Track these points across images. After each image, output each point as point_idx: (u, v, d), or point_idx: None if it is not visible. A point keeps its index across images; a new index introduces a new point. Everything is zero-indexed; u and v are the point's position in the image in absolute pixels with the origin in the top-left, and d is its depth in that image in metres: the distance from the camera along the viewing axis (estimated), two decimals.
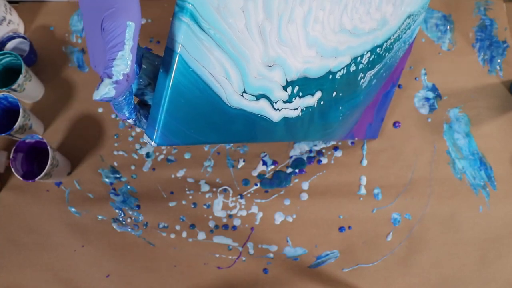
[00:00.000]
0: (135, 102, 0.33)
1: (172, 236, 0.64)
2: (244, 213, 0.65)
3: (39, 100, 0.71)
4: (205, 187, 0.66)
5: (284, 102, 0.45)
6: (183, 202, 0.65)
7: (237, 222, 0.64)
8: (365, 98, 0.60)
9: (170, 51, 0.31)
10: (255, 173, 0.67)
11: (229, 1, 0.34)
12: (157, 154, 0.68)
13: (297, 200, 0.65)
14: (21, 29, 0.74)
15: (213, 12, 0.33)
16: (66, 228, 0.64)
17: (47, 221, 0.64)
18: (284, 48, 0.43)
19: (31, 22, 0.76)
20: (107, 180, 0.67)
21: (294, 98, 0.47)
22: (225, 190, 0.66)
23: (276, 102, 0.44)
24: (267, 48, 0.40)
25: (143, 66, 0.33)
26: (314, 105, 0.50)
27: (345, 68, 0.52)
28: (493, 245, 0.63)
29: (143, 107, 0.35)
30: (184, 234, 0.64)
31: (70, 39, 0.75)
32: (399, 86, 0.72)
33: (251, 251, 0.63)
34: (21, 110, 0.61)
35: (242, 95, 0.40)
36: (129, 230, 0.64)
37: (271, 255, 0.63)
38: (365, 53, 0.55)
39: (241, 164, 0.67)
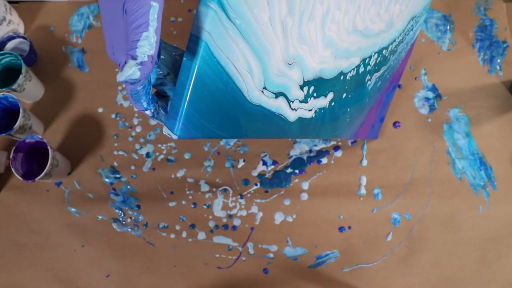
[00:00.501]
0: (153, 93, 0.32)
1: (172, 236, 0.64)
2: (244, 213, 0.65)
3: (39, 100, 0.71)
4: (205, 187, 0.66)
5: (300, 101, 0.45)
6: (183, 202, 0.65)
7: (237, 222, 0.64)
8: (370, 100, 0.60)
9: (195, 38, 0.30)
10: (255, 173, 0.67)
11: None
12: (157, 154, 0.68)
13: (297, 200, 0.65)
14: (21, 29, 0.74)
15: (241, 1, 0.32)
16: (66, 228, 0.64)
17: (47, 221, 0.64)
18: (304, 47, 0.42)
19: (31, 22, 0.76)
20: (107, 180, 0.67)
21: (309, 99, 0.47)
22: (225, 190, 0.66)
23: (293, 102, 0.44)
24: (288, 45, 0.40)
25: (161, 56, 0.32)
26: (326, 106, 0.50)
27: (355, 69, 0.52)
28: (493, 245, 0.63)
29: (160, 99, 0.34)
30: (184, 234, 0.64)
31: (70, 39, 0.75)
32: (399, 86, 0.72)
33: (251, 251, 0.63)
34: (21, 110, 0.61)
35: (263, 91, 0.40)
36: (129, 230, 0.64)
37: (271, 255, 0.63)
38: (373, 54, 0.54)
39: (241, 164, 0.67)
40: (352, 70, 0.51)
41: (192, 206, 0.65)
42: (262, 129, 0.42)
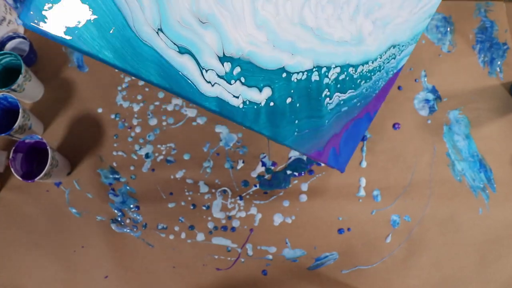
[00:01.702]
0: None
1: (171, 237, 0.64)
2: (243, 214, 0.65)
3: (39, 100, 0.71)
4: (204, 188, 0.66)
5: (220, 77, 0.43)
6: (182, 203, 0.65)
7: (236, 223, 0.64)
8: (331, 124, 0.55)
9: None
10: (254, 174, 0.67)
11: None
12: (156, 154, 0.68)
13: (296, 202, 0.65)
14: (21, 29, 0.74)
15: None
16: (65, 229, 0.64)
17: (47, 221, 0.64)
18: (222, 10, 0.41)
19: None
20: (106, 180, 0.67)
21: (233, 81, 0.44)
22: (224, 191, 0.66)
23: (206, 70, 0.42)
24: None
25: None
26: (261, 103, 0.47)
27: (305, 73, 0.49)
28: (493, 246, 0.63)
29: None
30: (183, 235, 0.64)
31: None
32: (399, 87, 0.72)
33: (250, 253, 0.63)
34: (20, 110, 0.61)
35: (158, 33, 0.38)
36: (128, 231, 0.64)
37: (270, 256, 0.63)
38: (333, 66, 0.52)
39: (240, 165, 0.67)
40: (301, 73, 0.49)
41: (191, 207, 0.65)
42: (160, 78, 0.40)
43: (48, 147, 0.59)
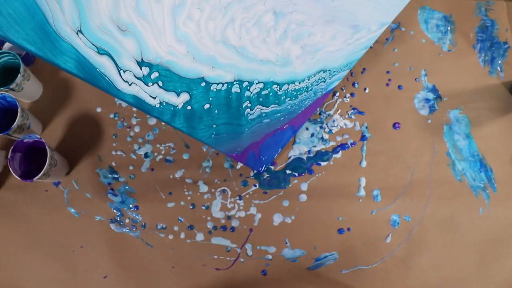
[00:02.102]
0: None
1: (170, 237, 0.64)
2: (242, 214, 0.64)
3: (38, 100, 0.71)
4: (203, 188, 0.66)
5: (137, 78, 0.46)
6: (182, 203, 0.65)
7: (235, 223, 0.64)
8: (252, 133, 0.58)
9: None
10: (253, 174, 0.67)
11: None
12: (155, 154, 0.68)
13: (296, 201, 0.65)
14: None
15: None
16: (64, 229, 0.64)
17: (46, 221, 0.64)
18: (143, 22, 0.44)
19: None
20: (105, 180, 0.66)
21: (151, 83, 0.47)
22: (223, 191, 0.66)
23: (124, 71, 0.45)
24: (119, 7, 0.43)
25: None
26: (178, 106, 0.50)
27: (226, 85, 0.52)
28: (493, 246, 0.63)
29: None
30: (182, 235, 0.64)
31: None
32: (399, 87, 0.71)
33: (250, 253, 0.63)
34: (19, 110, 0.61)
35: (77, 33, 0.42)
36: (127, 231, 0.64)
37: (270, 256, 0.63)
38: (256, 82, 0.54)
39: (239, 164, 0.67)
40: (221, 84, 0.51)
41: (191, 207, 0.65)
42: (77, 70, 0.43)
43: (46, 147, 0.59)
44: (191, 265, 0.62)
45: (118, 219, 0.64)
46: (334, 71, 0.60)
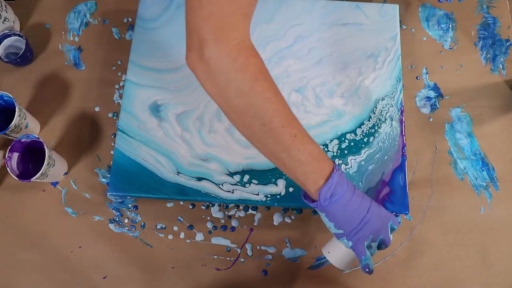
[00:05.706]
0: None
1: (170, 237, 0.63)
2: (242, 214, 0.64)
3: (35, 99, 0.70)
4: None
5: (233, 184, 0.59)
6: (181, 203, 0.64)
7: (235, 223, 0.64)
8: (368, 184, 0.60)
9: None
10: None
11: (147, 122, 0.62)
12: None
13: None
14: (17, 27, 0.74)
15: (136, 127, 0.62)
16: (62, 229, 0.63)
17: (44, 221, 0.64)
18: (214, 148, 0.61)
19: (27, 19, 0.75)
20: (104, 180, 0.66)
21: (248, 184, 0.59)
22: None
23: (222, 184, 0.59)
24: (194, 148, 0.61)
25: None
26: (281, 193, 0.59)
27: None
28: (495, 246, 0.62)
29: None
30: (182, 235, 0.63)
31: (66, 37, 0.74)
32: None
33: (250, 253, 0.62)
34: (16, 109, 0.60)
35: (178, 174, 0.60)
36: (126, 231, 0.63)
37: (270, 256, 0.62)
38: (328, 141, 0.62)
39: None
40: None
41: (190, 206, 0.64)
42: (184, 195, 0.59)
43: (44, 146, 0.58)
44: (191, 265, 0.62)
45: (117, 219, 0.64)
46: (391, 93, 0.64)
